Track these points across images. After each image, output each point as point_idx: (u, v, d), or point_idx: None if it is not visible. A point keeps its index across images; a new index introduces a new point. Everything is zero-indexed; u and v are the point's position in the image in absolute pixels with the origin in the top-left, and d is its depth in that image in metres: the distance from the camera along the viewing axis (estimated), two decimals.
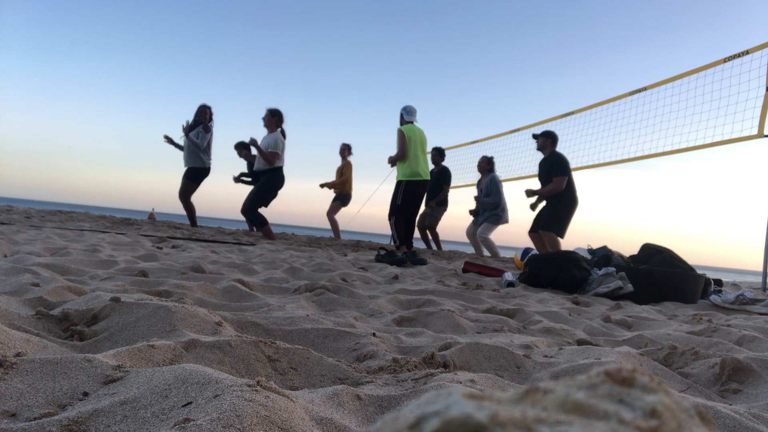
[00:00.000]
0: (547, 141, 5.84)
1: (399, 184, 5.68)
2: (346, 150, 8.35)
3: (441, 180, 7.70)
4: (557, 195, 5.76)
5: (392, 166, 5.78)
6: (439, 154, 7.88)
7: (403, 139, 5.54)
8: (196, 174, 6.86)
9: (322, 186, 8.33)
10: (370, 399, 0.88)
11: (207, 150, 6.82)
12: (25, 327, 1.13)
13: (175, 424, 0.64)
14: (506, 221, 7.14)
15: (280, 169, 6.30)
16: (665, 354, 1.43)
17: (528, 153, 8.29)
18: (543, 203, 6.00)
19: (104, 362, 0.86)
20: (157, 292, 1.80)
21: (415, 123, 5.70)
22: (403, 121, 5.73)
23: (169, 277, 2.29)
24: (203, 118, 6.84)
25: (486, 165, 7.22)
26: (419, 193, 5.60)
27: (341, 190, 8.30)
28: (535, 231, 5.90)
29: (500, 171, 7.77)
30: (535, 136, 6.00)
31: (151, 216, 8.99)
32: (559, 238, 5.74)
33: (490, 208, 7.14)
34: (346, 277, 2.80)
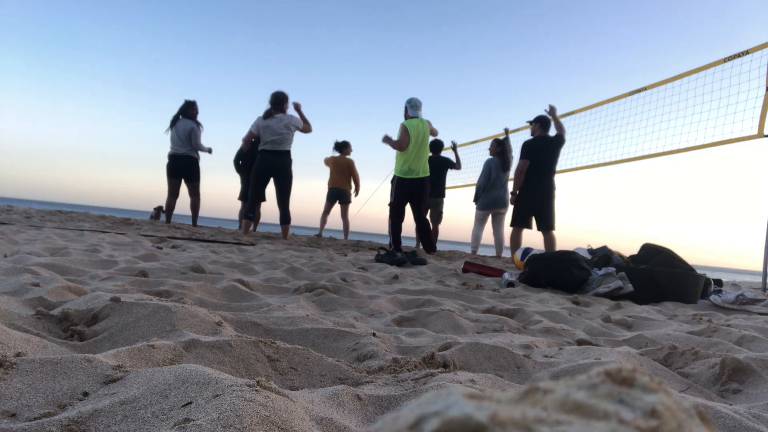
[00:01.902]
0: (535, 126, 6.03)
1: (393, 180, 5.68)
2: (348, 147, 8.34)
3: (442, 168, 7.62)
4: (521, 186, 5.96)
5: (384, 141, 5.68)
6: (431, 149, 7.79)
7: (405, 134, 5.49)
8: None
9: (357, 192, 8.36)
10: (370, 399, 0.88)
11: (175, 140, 6.95)
12: (25, 327, 1.13)
13: (175, 424, 0.64)
14: (490, 206, 6.95)
15: (260, 152, 6.14)
16: (665, 354, 1.43)
17: None
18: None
19: (104, 362, 0.86)
20: (157, 292, 1.80)
21: (420, 116, 5.64)
22: (407, 115, 5.69)
23: (169, 277, 2.28)
24: (192, 113, 7.00)
25: (495, 147, 7.05)
26: (414, 190, 5.57)
27: (348, 188, 8.34)
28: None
29: None
30: (529, 123, 6.17)
31: (156, 215, 8.91)
32: (520, 234, 5.99)
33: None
34: (346, 277, 2.80)
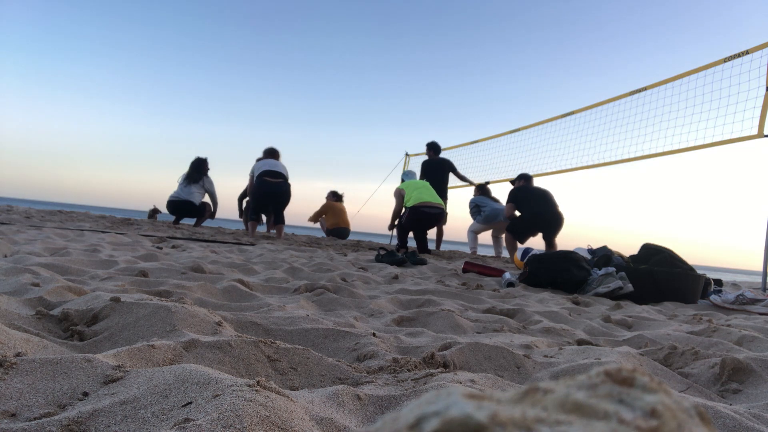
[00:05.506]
0: (519, 181, 6.65)
1: (407, 209, 5.77)
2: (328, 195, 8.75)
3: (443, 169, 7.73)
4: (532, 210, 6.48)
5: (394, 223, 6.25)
6: (431, 149, 7.88)
7: (399, 194, 5.96)
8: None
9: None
10: (370, 399, 0.87)
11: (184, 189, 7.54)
12: (25, 327, 1.13)
13: (175, 424, 0.64)
14: (491, 220, 7.41)
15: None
16: (665, 354, 1.43)
17: (527, 153, 8.29)
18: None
19: (104, 362, 0.86)
20: (157, 292, 1.80)
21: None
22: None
23: (169, 277, 2.28)
24: (204, 170, 7.57)
25: (477, 190, 7.84)
26: (425, 216, 5.69)
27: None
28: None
29: (500, 171, 7.99)
30: (511, 182, 6.84)
31: (153, 214, 8.92)
32: (516, 241, 6.45)
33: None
34: (346, 277, 2.80)
